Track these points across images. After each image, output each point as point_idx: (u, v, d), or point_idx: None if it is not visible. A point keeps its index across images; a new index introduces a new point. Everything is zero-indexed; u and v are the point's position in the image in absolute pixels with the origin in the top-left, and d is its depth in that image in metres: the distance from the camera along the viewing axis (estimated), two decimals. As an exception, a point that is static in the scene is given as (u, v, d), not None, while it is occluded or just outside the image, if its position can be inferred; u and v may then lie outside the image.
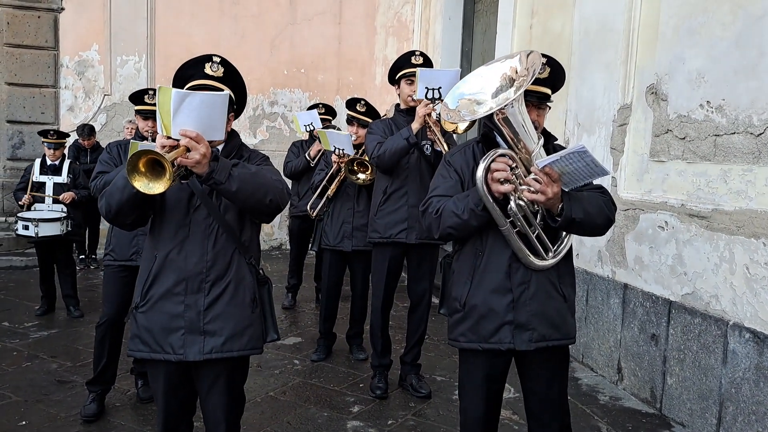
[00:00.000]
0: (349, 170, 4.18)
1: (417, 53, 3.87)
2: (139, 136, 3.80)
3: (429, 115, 3.56)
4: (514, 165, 2.19)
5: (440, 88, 3.50)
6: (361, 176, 4.16)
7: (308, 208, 4.62)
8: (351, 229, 4.38)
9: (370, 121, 4.36)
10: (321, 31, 8.83)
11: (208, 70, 2.36)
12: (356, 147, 4.32)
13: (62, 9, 7.97)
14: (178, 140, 2.08)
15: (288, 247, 7.77)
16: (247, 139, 8.50)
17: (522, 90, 2.11)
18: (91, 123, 7.68)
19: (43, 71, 7.97)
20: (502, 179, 2.15)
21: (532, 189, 2.16)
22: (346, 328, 4.76)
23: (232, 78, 2.42)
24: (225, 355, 2.27)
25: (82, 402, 3.64)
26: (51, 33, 7.95)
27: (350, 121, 4.45)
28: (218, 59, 2.41)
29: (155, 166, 1.96)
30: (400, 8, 8.88)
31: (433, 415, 3.68)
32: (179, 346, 2.24)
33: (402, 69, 3.86)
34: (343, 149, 4.15)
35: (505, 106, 2.13)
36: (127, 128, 7.13)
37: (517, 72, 2.24)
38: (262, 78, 8.59)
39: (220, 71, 2.38)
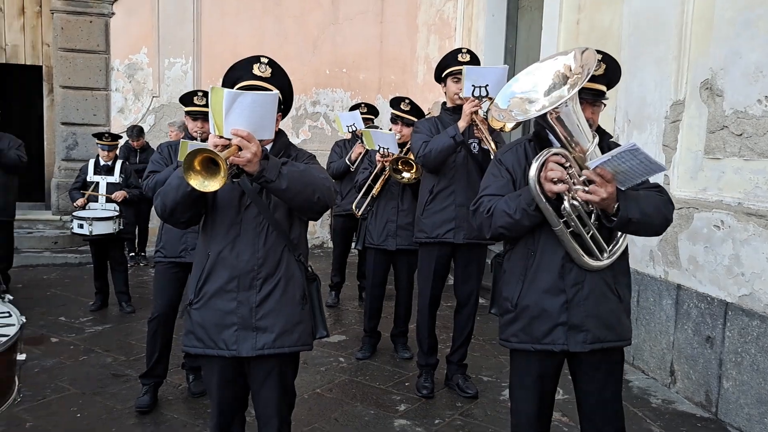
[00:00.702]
0: (393, 169, 4.19)
1: (463, 51, 3.84)
2: (189, 137, 3.88)
3: (476, 113, 3.54)
4: (567, 164, 2.16)
5: (487, 85, 3.47)
6: (406, 175, 4.16)
7: (353, 207, 4.64)
8: (395, 228, 4.38)
9: (415, 119, 4.36)
10: (362, 31, 8.86)
11: (256, 70, 2.40)
12: (401, 146, 4.32)
13: (113, 14, 8.20)
14: (230, 139, 2.13)
15: (330, 245, 7.83)
16: (290, 139, 8.58)
17: (577, 89, 2.08)
18: (140, 124, 7.88)
19: (95, 74, 8.22)
20: (556, 179, 2.12)
21: (586, 189, 2.13)
22: (390, 327, 4.77)
23: (279, 78, 2.45)
24: (277, 351, 2.31)
25: (136, 395, 3.75)
26: (102, 37, 8.19)
27: (394, 119, 4.46)
28: (266, 60, 2.45)
29: (210, 165, 2.00)
30: (442, 6, 8.83)
31: (480, 415, 3.66)
32: (232, 342, 2.29)
33: (448, 67, 3.83)
34: (387, 148, 4.15)
35: (559, 105, 2.10)
36: (171, 131, 7.27)
37: (571, 69, 2.20)
38: (305, 78, 8.66)
39: (267, 72, 2.42)
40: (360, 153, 5.31)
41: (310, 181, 2.27)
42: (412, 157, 4.09)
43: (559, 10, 5.82)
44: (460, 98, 3.72)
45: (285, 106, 2.53)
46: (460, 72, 3.70)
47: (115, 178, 5.76)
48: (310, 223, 2.68)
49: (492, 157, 3.47)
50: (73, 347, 4.70)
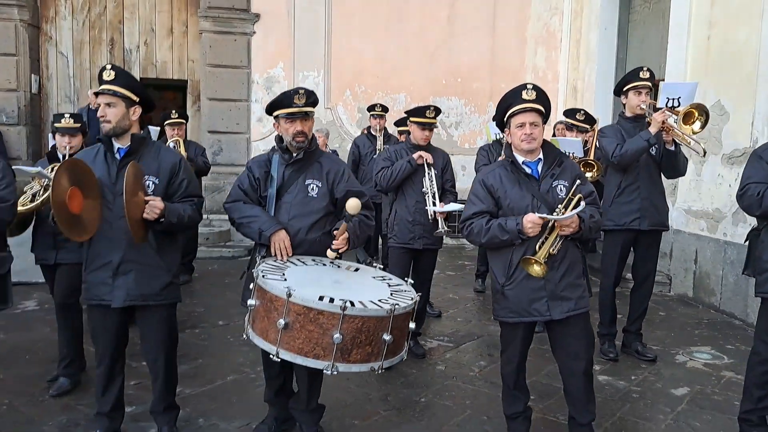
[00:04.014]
0: (574, 170, 4.91)
1: (644, 69, 4.53)
2: (411, 144, 4.68)
3: (665, 121, 4.24)
4: None
5: (680, 97, 4.19)
6: (588, 174, 4.87)
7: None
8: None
9: (588, 127, 5.09)
10: (476, 43, 9.62)
11: (524, 95, 3.09)
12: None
13: (254, 33, 9.15)
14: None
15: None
16: (407, 144, 9.37)
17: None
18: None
19: (238, 87, 9.18)
20: None
21: None
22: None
23: (543, 99, 3.13)
24: (578, 312, 3.08)
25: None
26: (245, 54, 9.15)
27: (570, 127, 5.19)
28: (531, 86, 3.12)
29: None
30: (549, 19, 9.55)
31: (666, 374, 4.38)
32: (545, 310, 3.06)
33: (630, 82, 4.53)
34: (573, 152, 4.89)
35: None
36: (319, 137, 8.12)
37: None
38: (423, 87, 9.49)
39: (533, 95, 3.09)
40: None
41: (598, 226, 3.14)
42: (591, 158, 4.83)
43: (687, 26, 6.46)
44: (641, 108, 4.45)
45: (546, 118, 3.26)
46: (642, 87, 4.44)
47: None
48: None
49: (693, 153, 4.20)
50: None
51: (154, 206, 2.90)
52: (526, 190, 3.09)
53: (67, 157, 3.83)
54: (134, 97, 3.05)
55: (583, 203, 3.03)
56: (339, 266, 3.16)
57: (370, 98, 9.13)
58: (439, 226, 4.59)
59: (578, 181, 3.15)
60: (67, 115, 3.92)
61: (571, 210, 2.96)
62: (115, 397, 3.18)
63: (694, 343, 5.08)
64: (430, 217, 4.59)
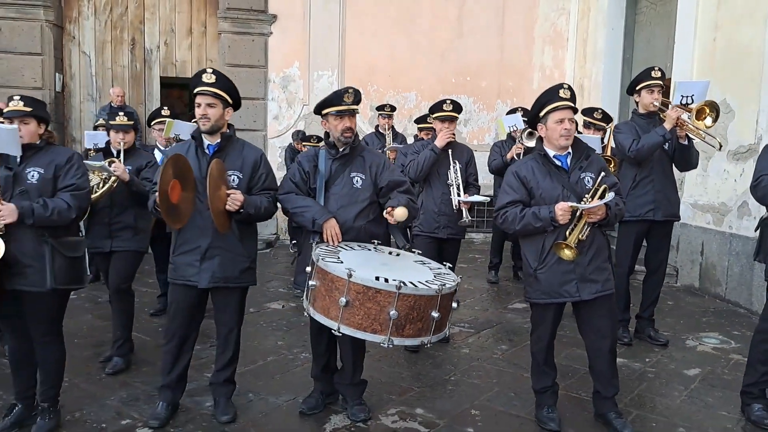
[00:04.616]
0: (590, 165, 5.20)
1: (656, 68, 4.80)
2: (435, 138, 4.97)
3: (679, 117, 4.51)
4: None
5: (693, 95, 4.46)
6: (607, 169, 5.16)
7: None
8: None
9: (605, 125, 5.36)
10: (484, 43, 9.89)
11: (561, 94, 3.38)
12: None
13: (271, 33, 9.41)
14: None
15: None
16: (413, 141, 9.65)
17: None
18: (296, 129, 9.05)
19: (255, 86, 9.43)
20: None
21: None
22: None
23: (575, 99, 3.43)
24: (606, 292, 3.35)
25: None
26: (262, 54, 9.40)
27: (588, 125, 5.46)
28: (566, 86, 3.42)
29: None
30: (556, 19, 9.82)
31: (678, 356, 4.66)
32: (574, 291, 3.33)
33: (643, 82, 4.79)
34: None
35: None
36: None
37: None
38: (433, 86, 9.75)
39: (568, 94, 3.39)
40: (516, 153, 6.32)
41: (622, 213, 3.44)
42: (608, 154, 5.10)
43: (693, 28, 6.74)
44: (654, 105, 4.72)
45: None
46: (654, 85, 4.70)
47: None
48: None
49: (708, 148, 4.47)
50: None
51: (235, 199, 3.20)
52: (556, 181, 3.36)
53: (122, 153, 4.11)
54: (230, 99, 3.37)
55: (612, 193, 3.31)
56: (382, 251, 3.43)
57: (381, 97, 9.40)
58: (464, 216, 4.87)
59: (603, 173, 3.44)
60: (121, 113, 4.19)
61: (598, 199, 3.24)
62: (181, 371, 3.46)
63: (703, 329, 5.37)
64: (455, 207, 4.87)
